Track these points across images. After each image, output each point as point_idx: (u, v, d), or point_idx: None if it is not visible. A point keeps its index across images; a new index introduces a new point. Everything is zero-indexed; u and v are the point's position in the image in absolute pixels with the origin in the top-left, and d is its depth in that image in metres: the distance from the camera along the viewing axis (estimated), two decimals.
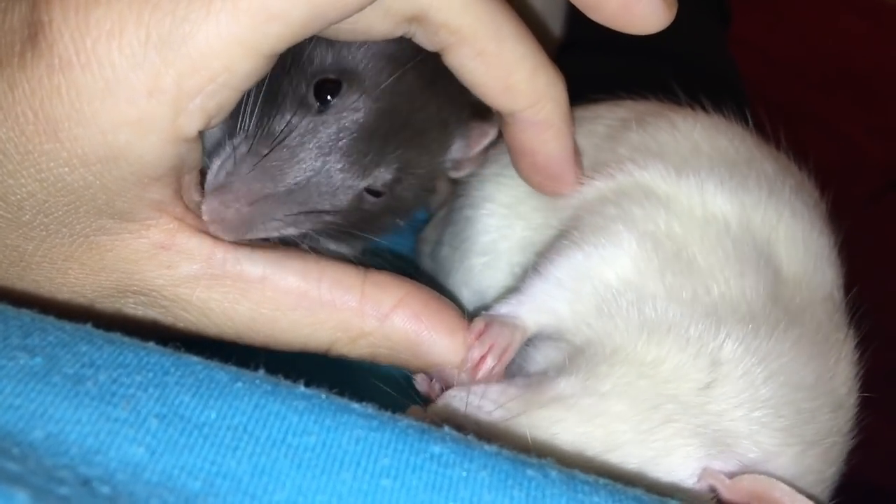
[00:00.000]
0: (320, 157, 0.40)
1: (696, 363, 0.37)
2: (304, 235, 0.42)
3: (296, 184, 0.40)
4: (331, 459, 0.28)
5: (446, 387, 0.41)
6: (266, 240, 0.40)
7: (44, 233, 0.35)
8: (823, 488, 0.39)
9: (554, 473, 0.29)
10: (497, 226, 0.49)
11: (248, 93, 0.38)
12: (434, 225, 0.55)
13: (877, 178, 1.43)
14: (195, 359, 0.31)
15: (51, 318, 0.31)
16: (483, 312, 0.42)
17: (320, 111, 0.41)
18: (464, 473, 0.28)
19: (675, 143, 0.45)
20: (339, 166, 0.41)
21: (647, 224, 0.41)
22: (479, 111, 0.47)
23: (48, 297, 0.37)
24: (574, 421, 0.37)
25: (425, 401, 0.41)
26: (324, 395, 0.30)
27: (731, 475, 0.36)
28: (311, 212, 0.41)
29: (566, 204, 0.45)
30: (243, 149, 0.40)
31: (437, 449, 0.29)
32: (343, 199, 0.41)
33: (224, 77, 0.33)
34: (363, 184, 0.42)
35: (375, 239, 0.47)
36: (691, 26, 0.98)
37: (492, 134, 0.48)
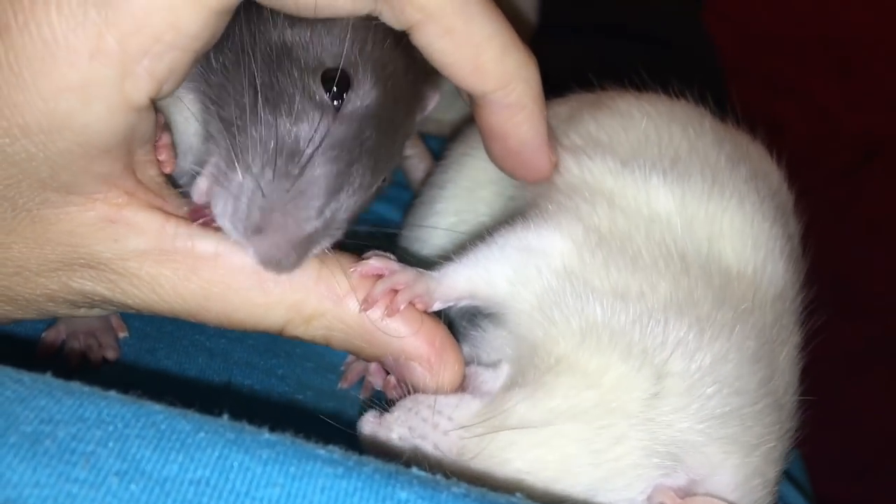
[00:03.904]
0: (349, 164, 0.37)
1: (641, 373, 0.37)
2: None
3: (331, 198, 0.37)
4: None
5: (402, 383, 0.40)
6: None
7: None
8: (769, 491, 0.39)
9: None
10: (457, 209, 0.50)
11: (238, 92, 0.36)
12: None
13: (854, 149, 1.43)
14: (157, 407, 0.30)
15: (9, 370, 0.30)
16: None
17: (337, 109, 0.37)
18: None
19: (625, 134, 0.45)
20: (366, 167, 0.38)
21: (592, 219, 0.40)
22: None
23: None
24: (527, 445, 0.36)
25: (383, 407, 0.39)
26: (289, 441, 0.30)
27: (681, 491, 0.36)
28: (343, 220, 0.38)
29: (522, 193, 0.45)
30: (268, 173, 0.36)
31: (403, 495, 0.29)
32: (366, 198, 0.39)
33: (170, 36, 0.32)
34: (382, 178, 0.40)
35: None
36: (666, 4, 0.97)
37: (437, 99, 0.46)
